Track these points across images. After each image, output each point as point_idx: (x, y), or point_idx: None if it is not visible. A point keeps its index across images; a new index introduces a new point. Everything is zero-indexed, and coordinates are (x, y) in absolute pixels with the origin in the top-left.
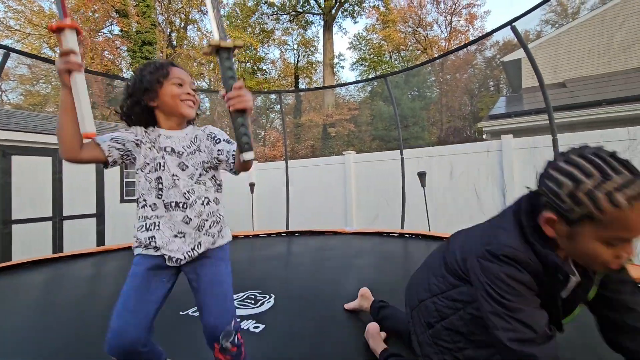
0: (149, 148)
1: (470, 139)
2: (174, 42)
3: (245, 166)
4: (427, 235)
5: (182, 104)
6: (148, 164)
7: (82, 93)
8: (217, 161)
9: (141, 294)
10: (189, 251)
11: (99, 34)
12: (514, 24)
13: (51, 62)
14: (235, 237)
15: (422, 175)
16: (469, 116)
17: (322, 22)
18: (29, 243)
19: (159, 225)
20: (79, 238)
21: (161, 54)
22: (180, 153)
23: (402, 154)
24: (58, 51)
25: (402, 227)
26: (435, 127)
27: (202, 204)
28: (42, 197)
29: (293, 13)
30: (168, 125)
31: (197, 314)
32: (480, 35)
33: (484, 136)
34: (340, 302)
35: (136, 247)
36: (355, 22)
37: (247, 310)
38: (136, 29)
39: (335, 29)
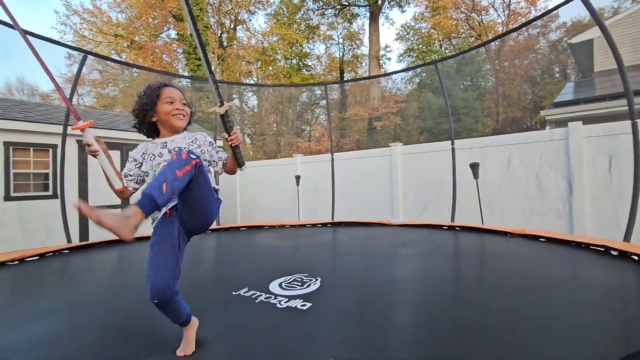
0: (151, 158)
1: (530, 130)
2: (224, 43)
3: (233, 172)
4: (480, 228)
5: (173, 118)
6: (153, 166)
7: (104, 165)
8: (214, 163)
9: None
10: None
11: (158, 38)
12: None
13: (122, 62)
14: (282, 227)
15: (474, 166)
16: (530, 106)
17: (368, 14)
18: None
19: None
20: (146, 222)
21: (213, 55)
22: (185, 148)
23: (453, 143)
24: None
25: (452, 219)
26: (490, 118)
27: None
28: None
29: (338, 7)
30: (167, 133)
31: (248, 294)
32: (545, 11)
33: (547, 126)
34: (385, 285)
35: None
36: (402, 12)
37: (295, 291)
38: (190, 32)
39: (381, 20)
